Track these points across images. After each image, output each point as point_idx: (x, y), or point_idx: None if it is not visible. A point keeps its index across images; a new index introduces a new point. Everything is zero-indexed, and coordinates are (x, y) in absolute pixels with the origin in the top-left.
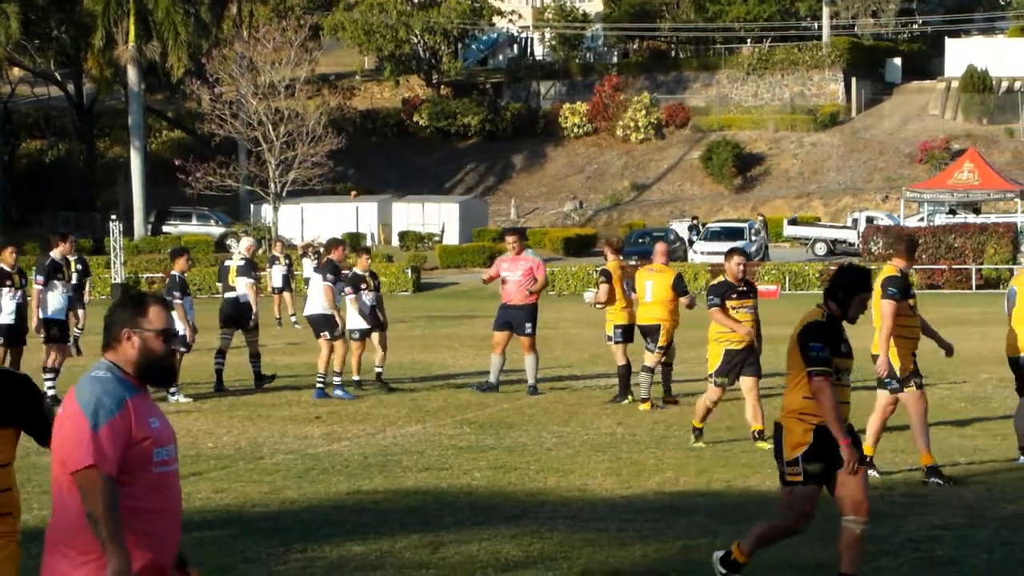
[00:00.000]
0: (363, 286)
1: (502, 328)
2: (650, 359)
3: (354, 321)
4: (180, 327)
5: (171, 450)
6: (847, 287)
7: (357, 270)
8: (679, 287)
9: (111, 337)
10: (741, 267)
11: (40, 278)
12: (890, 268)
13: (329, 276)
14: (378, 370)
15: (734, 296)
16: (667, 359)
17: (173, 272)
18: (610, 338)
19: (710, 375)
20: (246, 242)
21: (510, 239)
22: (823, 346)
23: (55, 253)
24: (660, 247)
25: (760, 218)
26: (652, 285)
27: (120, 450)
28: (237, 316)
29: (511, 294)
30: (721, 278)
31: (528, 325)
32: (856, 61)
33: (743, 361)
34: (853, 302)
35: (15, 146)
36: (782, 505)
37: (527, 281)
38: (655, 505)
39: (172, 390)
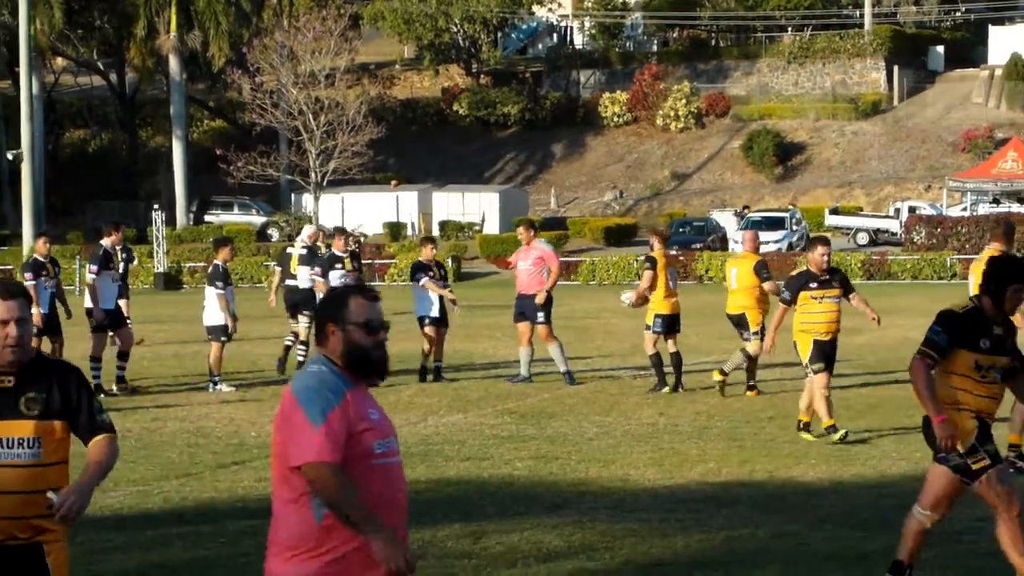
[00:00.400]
0: (430, 274)
1: (520, 319)
2: (752, 347)
3: (422, 308)
4: (222, 317)
5: (391, 442)
6: (999, 279)
7: (421, 259)
8: (761, 273)
9: (319, 332)
10: (825, 257)
11: (94, 267)
12: (991, 251)
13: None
14: (437, 363)
15: (814, 286)
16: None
17: (216, 261)
18: (648, 327)
19: (805, 365)
20: (308, 230)
21: (520, 229)
22: (941, 331)
23: (106, 242)
24: (749, 235)
25: (744, 208)
26: (737, 272)
27: (342, 442)
28: (297, 303)
29: (523, 283)
30: (803, 268)
31: (540, 314)
32: (898, 49)
33: (832, 353)
34: (1007, 293)
35: (59, 135)
36: (991, 499)
37: (537, 271)
38: (697, 495)
39: (215, 379)
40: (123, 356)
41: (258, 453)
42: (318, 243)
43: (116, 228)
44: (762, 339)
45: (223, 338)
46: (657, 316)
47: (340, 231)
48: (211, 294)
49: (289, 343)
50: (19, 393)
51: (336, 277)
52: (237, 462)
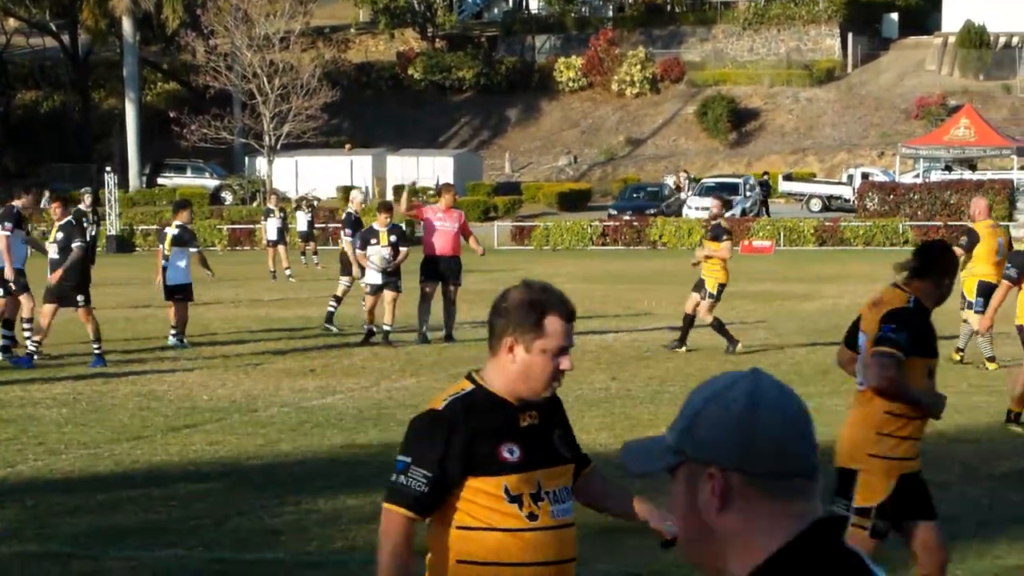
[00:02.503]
0: (373, 240)
1: (434, 279)
2: (974, 320)
3: (369, 275)
4: (189, 276)
5: None
6: (940, 267)
7: (376, 225)
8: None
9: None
10: None
11: (9, 225)
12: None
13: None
14: (386, 327)
15: None
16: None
17: (177, 223)
18: (711, 295)
19: None
20: (357, 197)
21: (451, 192)
22: (900, 331)
23: (18, 203)
24: (983, 202)
25: (765, 176)
26: (1003, 243)
27: None
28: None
29: (444, 245)
30: None
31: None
32: (852, 16)
33: None
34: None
35: (11, 97)
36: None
37: (458, 235)
38: None
39: (172, 332)
40: (9, 325)
41: (210, 416)
42: (304, 206)
43: (27, 191)
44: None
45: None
46: (721, 285)
47: (384, 206)
48: (184, 255)
49: (331, 308)
50: (551, 430)
51: (373, 252)
52: (188, 425)
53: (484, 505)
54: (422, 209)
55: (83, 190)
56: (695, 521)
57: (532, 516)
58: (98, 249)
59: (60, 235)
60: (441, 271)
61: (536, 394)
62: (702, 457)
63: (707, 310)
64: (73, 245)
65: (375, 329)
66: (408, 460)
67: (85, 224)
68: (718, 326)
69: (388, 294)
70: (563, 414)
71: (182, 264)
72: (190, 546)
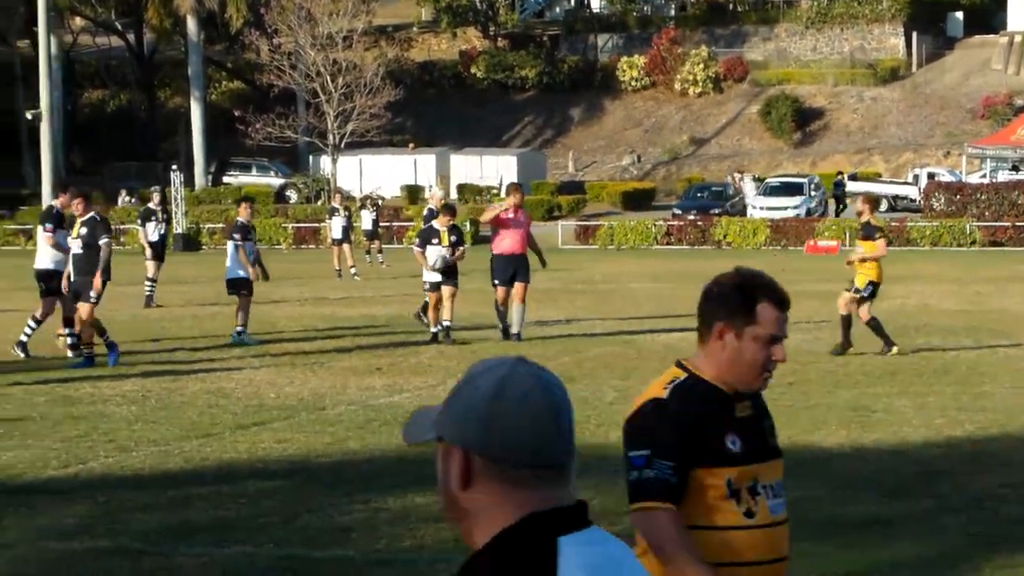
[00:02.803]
0: (435, 240)
1: (511, 280)
2: None
3: (428, 274)
4: (244, 270)
5: None
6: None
7: (436, 224)
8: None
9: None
10: None
11: (50, 226)
12: None
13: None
14: (445, 323)
15: None
16: None
17: (238, 218)
18: (857, 290)
19: None
20: (438, 193)
21: (518, 192)
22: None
23: (57, 203)
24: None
25: (840, 175)
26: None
27: None
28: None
29: (517, 244)
30: None
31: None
32: (917, 15)
33: None
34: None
35: (78, 96)
36: None
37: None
38: None
39: (239, 329)
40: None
41: (277, 415)
42: (368, 205)
43: (64, 190)
44: None
45: (243, 292)
46: (871, 283)
47: (448, 208)
48: (230, 247)
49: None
50: (762, 421)
51: (433, 252)
52: (257, 423)
53: (705, 501)
54: (499, 216)
55: (152, 188)
56: (447, 494)
57: (749, 513)
58: (167, 247)
59: (84, 230)
60: (511, 270)
61: (747, 384)
62: (448, 435)
63: (846, 303)
64: (101, 242)
65: (440, 326)
66: (647, 453)
67: (154, 221)
68: (875, 326)
69: (446, 290)
70: (766, 405)
71: (231, 257)
72: (259, 543)
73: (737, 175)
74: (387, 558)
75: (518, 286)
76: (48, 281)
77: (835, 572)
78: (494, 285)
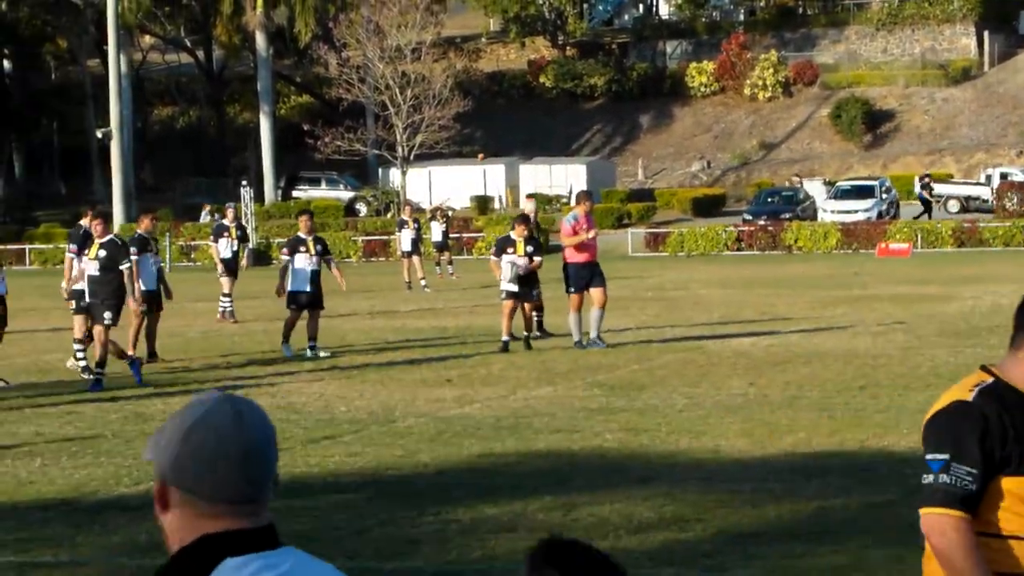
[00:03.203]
0: (510, 249)
1: (585, 286)
2: None
3: (505, 283)
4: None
5: None
6: None
7: (513, 235)
8: None
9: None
10: None
11: (74, 247)
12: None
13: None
14: (526, 334)
15: None
16: None
17: (299, 234)
18: None
19: None
20: (529, 205)
21: (588, 201)
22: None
23: (84, 223)
24: None
25: (926, 177)
26: None
27: None
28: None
29: (593, 251)
30: None
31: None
32: (988, 14)
33: None
34: None
35: (148, 113)
36: None
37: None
38: (788, 466)
39: (311, 344)
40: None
41: (348, 428)
42: (439, 217)
43: (91, 208)
44: None
45: (291, 305)
46: None
47: (523, 218)
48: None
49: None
50: None
51: (506, 260)
52: (327, 437)
53: (997, 506)
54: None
55: (227, 204)
56: (155, 512)
57: None
58: (242, 264)
59: (103, 253)
60: (586, 277)
61: None
62: (154, 461)
63: None
64: (122, 267)
65: (511, 338)
66: (946, 457)
67: (226, 237)
68: None
69: (527, 304)
70: None
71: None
72: (331, 556)
73: (795, 178)
74: (458, 569)
75: (597, 292)
76: (80, 299)
77: None
78: (568, 292)
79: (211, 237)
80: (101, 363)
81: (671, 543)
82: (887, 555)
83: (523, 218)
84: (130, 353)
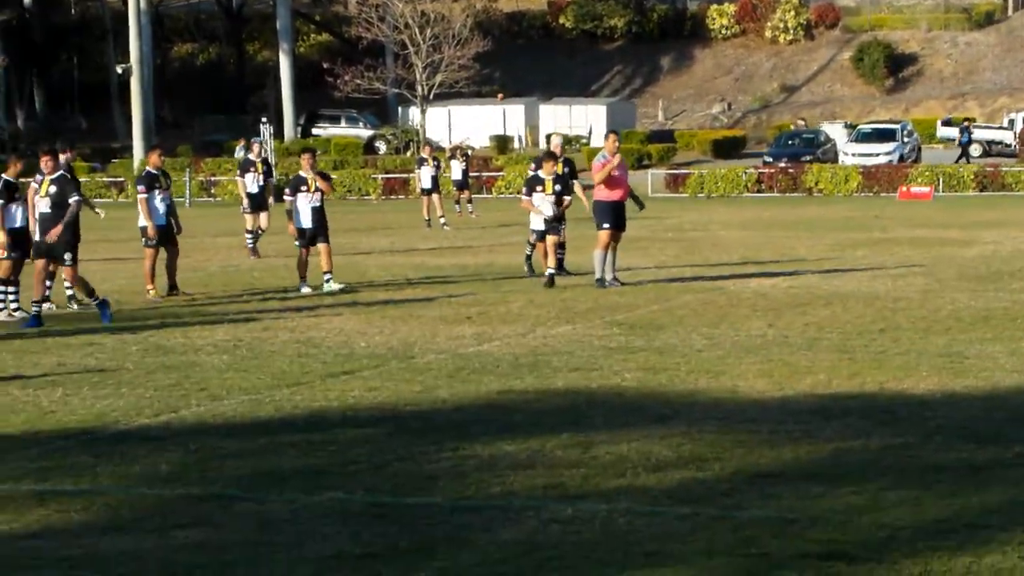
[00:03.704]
0: (539, 188)
1: (616, 225)
2: None
3: (534, 222)
4: (300, 221)
5: None
6: None
7: (541, 174)
8: None
9: None
10: None
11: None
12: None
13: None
14: (550, 271)
15: None
16: None
17: (300, 172)
18: None
19: None
20: (556, 140)
21: (615, 139)
22: None
23: (62, 160)
24: None
25: (966, 122)
26: None
27: None
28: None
29: (622, 191)
30: None
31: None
32: None
33: None
34: None
35: (167, 50)
36: None
37: None
38: (807, 407)
39: (326, 278)
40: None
41: (368, 363)
42: (458, 155)
43: (71, 148)
44: None
45: (296, 242)
46: None
47: (550, 155)
48: (301, 200)
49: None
50: None
51: (538, 199)
52: (347, 372)
53: None
54: (605, 166)
55: (254, 139)
56: None
57: None
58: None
59: (53, 188)
60: (615, 215)
61: None
62: None
63: None
64: (70, 200)
65: (552, 272)
66: None
67: (252, 172)
68: None
69: (550, 238)
70: None
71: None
72: (350, 490)
73: (800, 122)
74: (476, 504)
75: (616, 234)
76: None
77: (926, 518)
78: (601, 228)
79: (237, 172)
80: (91, 293)
81: (688, 482)
82: (905, 497)
83: (550, 155)
84: (148, 288)
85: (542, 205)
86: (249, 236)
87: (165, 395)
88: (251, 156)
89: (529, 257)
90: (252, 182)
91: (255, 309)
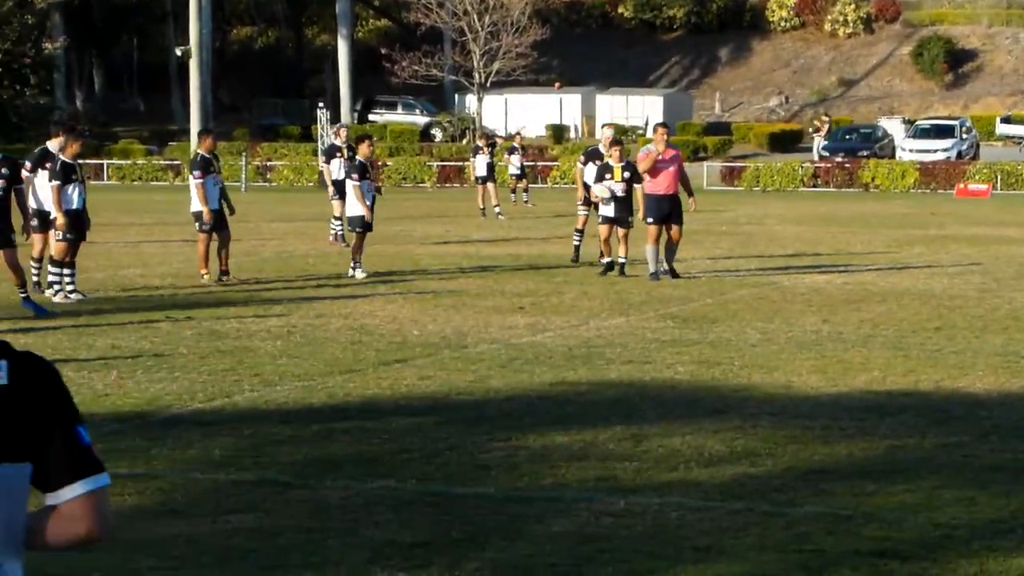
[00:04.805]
0: (608, 176)
1: (660, 219)
2: None
3: (602, 208)
4: (358, 208)
5: None
6: None
7: (611, 161)
8: None
9: None
10: None
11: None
12: None
13: (354, 176)
14: (622, 261)
15: None
16: None
17: (358, 157)
18: None
19: None
20: (608, 132)
21: (664, 132)
22: None
23: (51, 145)
24: None
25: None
26: None
27: None
28: None
29: (670, 185)
30: None
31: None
32: None
33: None
34: None
35: (227, 33)
36: None
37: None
38: (861, 404)
39: (352, 265)
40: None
41: (421, 352)
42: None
43: (69, 131)
44: None
45: (357, 229)
46: None
47: (617, 143)
48: (349, 186)
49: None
50: None
51: (598, 187)
52: (400, 360)
53: None
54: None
55: (340, 125)
56: None
57: None
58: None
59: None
60: (665, 209)
61: None
62: None
63: None
64: None
65: (613, 261)
66: None
67: (338, 158)
68: None
69: (621, 230)
70: None
71: (349, 195)
72: (402, 478)
73: (825, 118)
74: (528, 496)
75: (674, 228)
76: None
77: (981, 518)
78: (648, 222)
79: (322, 158)
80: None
81: (741, 477)
82: (959, 496)
83: (617, 142)
84: (203, 272)
85: (604, 192)
86: (336, 223)
87: (219, 380)
88: (337, 141)
89: (577, 248)
90: (338, 168)
91: (310, 296)
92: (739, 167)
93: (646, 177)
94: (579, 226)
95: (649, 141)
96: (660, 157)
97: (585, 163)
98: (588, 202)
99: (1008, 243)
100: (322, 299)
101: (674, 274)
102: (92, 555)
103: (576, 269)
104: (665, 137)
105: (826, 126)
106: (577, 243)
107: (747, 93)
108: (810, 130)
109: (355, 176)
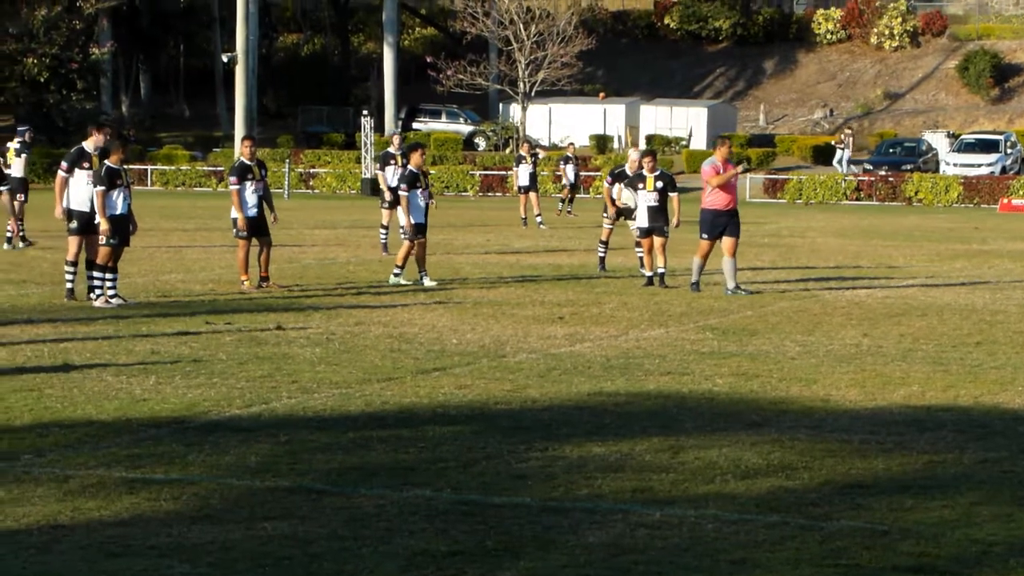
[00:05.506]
0: (641, 186)
1: (719, 234)
2: None
3: (639, 219)
4: (403, 219)
5: None
6: None
7: (644, 171)
8: None
9: None
10: None
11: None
12: None
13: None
14: (661, 271)
15: None
16: None
17: (409, 166)
18: None
19: None
20: (633, 155)
21: (727, 147)
22: None
23: (88, 144)
24: None
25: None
26: None
27: None
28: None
29: (732, 199)
30: None
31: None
32: None
33: None
34: None
35: (272, 39)
36: None
37: None
38: (899, 418)
39: (421, 272)
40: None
41: (459, 360)
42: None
43: (99, 128)
44: None
45: (411, 237)
46: None
47: (650, 153)
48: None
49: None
50: None
51: (626, 197)
52: (438, 368)
53: None
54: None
55: (394, 132)
56: None
57: None
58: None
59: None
60: (721, 225)
61: None
62: None
63: None
64: None
65: (652, 274)
66: None
67: (392, 165)
68: None
69: (658, 240)
70: None
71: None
72: (438, 487)
73: (847, 132)
74: (564, 506)
75: (729, 241)
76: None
77: (1019, 535)
78: (702, 238)
79: (377, 165)
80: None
81: (778, 490)
82: (997, 512)
83: (651, 152)
84: (243, 279)
85: (631, 200)
86: (384, 232)
87: (256, 386)
88: (391, 149)
89: (603, 258)
90: (392, 175)
91: (349, 304)
92: (782, 179)
93: (705, 190)
94: (603, 238)
95: (709, 154)
96: (718, 170)
97: (612, 183)
98: (617, 218)
99: None
100: (361, 307)
101: (737, 289)
102: (126, 560)
103: (617, 280)
104: (731, 152)
105: (849, 139)
106: (602, 254)
107: (792, 105)
108: (834, 143)
109: (404, 187)
